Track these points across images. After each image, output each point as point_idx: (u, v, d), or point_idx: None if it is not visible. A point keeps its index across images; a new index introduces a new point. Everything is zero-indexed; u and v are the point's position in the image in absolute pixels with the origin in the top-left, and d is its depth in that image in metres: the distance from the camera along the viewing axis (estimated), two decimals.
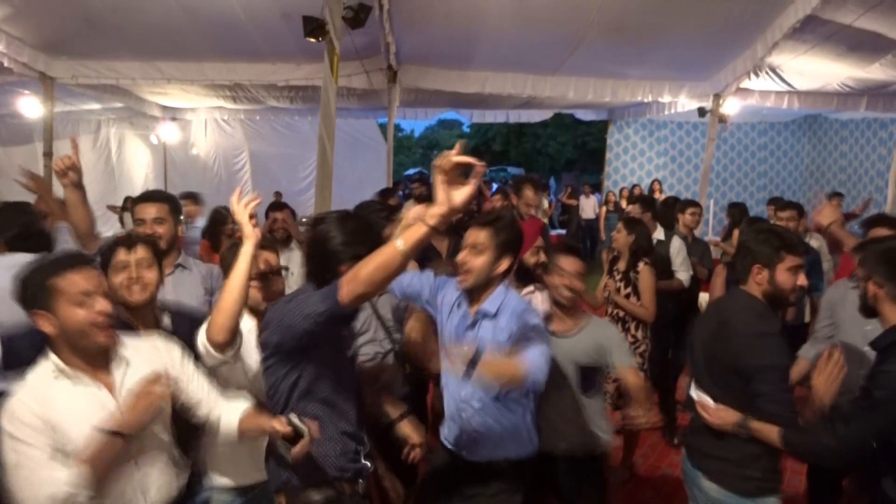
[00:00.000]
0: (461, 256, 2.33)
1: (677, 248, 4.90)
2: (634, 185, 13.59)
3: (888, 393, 2.03)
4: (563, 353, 2.78)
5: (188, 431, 2.15)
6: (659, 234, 5.05)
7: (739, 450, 2.32)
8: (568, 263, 2.89)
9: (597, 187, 15.28)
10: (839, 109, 9.42)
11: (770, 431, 2.20)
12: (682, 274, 4.83)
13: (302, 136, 11.26)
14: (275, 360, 2.04)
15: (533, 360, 2.11)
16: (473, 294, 2.38)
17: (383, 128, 10.80)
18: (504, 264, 2.31)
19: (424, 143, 32.42)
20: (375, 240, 2.08)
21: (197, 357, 2.14)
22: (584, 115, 13.44)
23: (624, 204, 12.53)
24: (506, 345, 2.24)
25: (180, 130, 11.43)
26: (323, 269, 2.04)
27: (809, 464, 2.76)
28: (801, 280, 2.39)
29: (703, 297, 5.16)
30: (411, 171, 22.14)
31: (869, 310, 2.33)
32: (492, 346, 2.27)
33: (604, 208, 13.18)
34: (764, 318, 2.36)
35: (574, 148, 28.57)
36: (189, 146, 11.67)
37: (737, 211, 6.38)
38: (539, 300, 3.42)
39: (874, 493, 2.32)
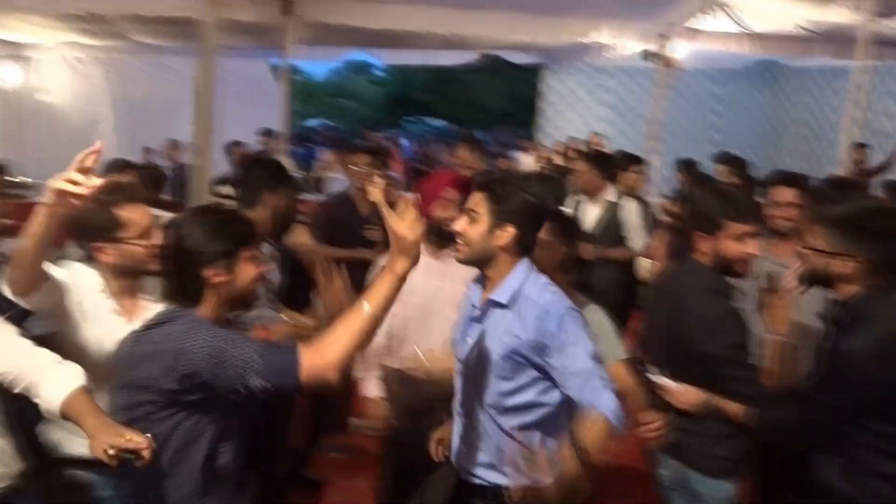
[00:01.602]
0: (457, 224, 2.27)
1: (634, 212, 4.85)
2: (570, 139, 13.42)
3: (846, 368, 2.06)
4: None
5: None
6: (611, 195, 4.90)
7: (711, 427, 2.43)
8: None
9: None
10: (798, 55, 9.64)
11: (734, 409, 2.32)
12: (637, 241, 4.84)
13: (180, 80, 10.45)
14: (154, 408, 1.90)
15: (607, 406, 2.08)
16: (485, 279, 2.32)
17: (278, 70, 10.22)
18: (503, 236, 2.19)
19: (331, 89, 30.74)
20: (243, 232, 2.06)
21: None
22: (516, 59, 13.12)
23: (559, 161, 12.38)
24: (520, 343, 2.16)
25: (23, 71, 10.80)
26: (182, 275, 2.00)
27: (772, 442, 2.74)
28: (752, 248, 2.40)
29: (644, 265, 5.18)
30: (314, 122, 21.19)
31: (826, 282, 2.23)
32: (500, 342, 2.19)
33: (537, 165, 13.00)
34: (717, 294, 2.42)
35: (509, 99, 28.28)
36: (35, 91, 11.04)
37: (689, 168, 6.44)
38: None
39: (807, 480, 2.25)
